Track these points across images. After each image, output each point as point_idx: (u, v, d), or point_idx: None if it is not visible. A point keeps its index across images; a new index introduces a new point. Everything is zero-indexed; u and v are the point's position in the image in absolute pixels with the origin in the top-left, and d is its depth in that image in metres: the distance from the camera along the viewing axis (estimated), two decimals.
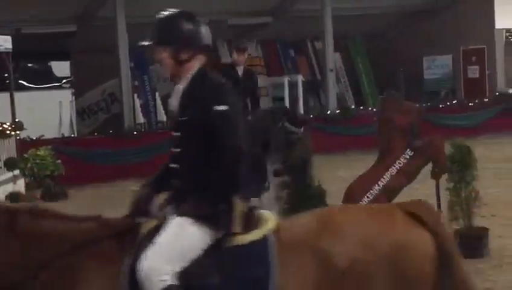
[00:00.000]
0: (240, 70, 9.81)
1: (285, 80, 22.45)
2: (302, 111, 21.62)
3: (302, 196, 9.30)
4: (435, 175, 9.63)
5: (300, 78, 22.82)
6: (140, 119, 20.53)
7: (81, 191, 16.18)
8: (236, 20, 22.79)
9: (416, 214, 4.44)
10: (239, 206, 4.37)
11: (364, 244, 4.28)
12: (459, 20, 24.29)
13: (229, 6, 22.10)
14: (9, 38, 16.14)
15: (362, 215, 4.50)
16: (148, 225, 4.44)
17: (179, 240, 4.27)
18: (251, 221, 4.41)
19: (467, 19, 24.15)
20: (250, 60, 24.20)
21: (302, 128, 9.60)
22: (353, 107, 23.53)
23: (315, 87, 24.41)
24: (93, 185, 16.76)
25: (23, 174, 15.57)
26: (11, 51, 16.18)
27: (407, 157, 9.61)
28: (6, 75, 17.49)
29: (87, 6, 20.77)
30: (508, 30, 25.29)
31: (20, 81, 21.97)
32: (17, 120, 16.64)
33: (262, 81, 23.48)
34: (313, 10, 22.26)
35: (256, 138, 8.97)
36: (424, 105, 20.76)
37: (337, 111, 21.69)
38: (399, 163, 9.59)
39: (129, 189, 8.99)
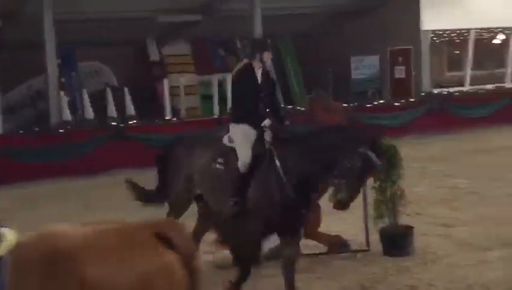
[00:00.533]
0: (259, 73, 7.94)
1: (215, 78, 22.43)
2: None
3: None
4: None
5: (230, 77, 22.80)
6: (67, 116, 20.24)
7: (6, 190, 15.86)
8: (166, 18, 22.69)
9: (165, 235, 4.33)
10: None
11: (107, 273, 4.07)
12: (386, 21, 24.63)
13: (159, 3, 21.98)
14: None
15: (109, 239, 4.25)
16: None
17: None
18: None
19: (393, 20, 24.49)
20: (179, 58, 24.17)
21: (383, 161, 7.59)
22: (282, 106, 23.65)
23: None
24: (18, 183, 16.44)
25: None
26: None
27: None
28: None
29: (13, 2, 20.41)
30: (433, 31, 25.72)
31: None
32: None
33: (191, 79, 23.45)
34: (242, 9, 22.30)
35: (319, 154, 7.34)
36: (351, 105, 21.03)
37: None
38: None
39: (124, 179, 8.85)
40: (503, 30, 26.97)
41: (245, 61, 8.14)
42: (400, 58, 25.36)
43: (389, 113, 22.96)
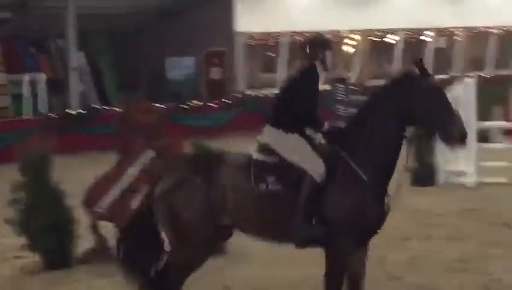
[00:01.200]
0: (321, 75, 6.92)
1: (25, 78, 21.76)
2: (45, 110, 21.09)
3: (40, 196, 9.06)
4: None
5: (42, 77, 22.23)
6: None
7: None
8: None
9: None
10: None
11: None
12: (201, 23, 24.78)
13: None
14: None
15: None
16: None
17: None
18: None
19: (209, 22, 24.69)
20: None
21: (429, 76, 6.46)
22: (97, 106, 23.29)
23: (58, 86, 23.88)
24: None
25: None
26: None
27: (148, 157, 9.64)
28: None
29: None
30: (248, 34, 26.13)
31: None
32: None
33: (0, 78, 22.62)
34: (56, 7, 21.77)
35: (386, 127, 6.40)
36: (167, 105, 20.99)
37: (80, 110, 21.35)
38: (140, 163, 9.59)
39: None
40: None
41: (305, 61, 6.85)
42: (215, 60, 25.62)
43: (205, 114, 23.15)
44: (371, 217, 6.37)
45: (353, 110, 24.30)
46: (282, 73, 27.21)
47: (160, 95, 22.32)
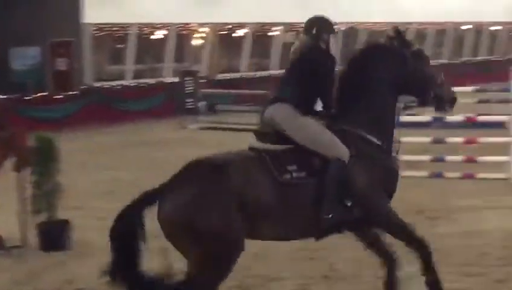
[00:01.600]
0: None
1: None
2: None
3: None
4: (17, 168, 9.48)
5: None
6: None
7: None
8: None
9: None
10: None
11: None
12: (47, 12, 24.17)
13: None
14: None
15: None
16: None
17: None
18: None
19: (55, 12, 24.12)
20: None
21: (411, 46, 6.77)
22: None
23: None
24: None
25: None
26: None
27: None
28: None
29: None
30: (95, 25, 25.75)
31: None
32: None
33: None
34: None
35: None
36: (10, 96, 20.42)
37: None
38: None
39: None
40: (163, 26, 27.73)
41: (308, 40, 6.54)
42: (62, 50, 25.08)
43: (50, 106, 22.70)
44: (395, 176, 6.51)
45: (202, 104, 24.48)
46: (130, 65, 27.01)
47: (3, 85, 21.64)
